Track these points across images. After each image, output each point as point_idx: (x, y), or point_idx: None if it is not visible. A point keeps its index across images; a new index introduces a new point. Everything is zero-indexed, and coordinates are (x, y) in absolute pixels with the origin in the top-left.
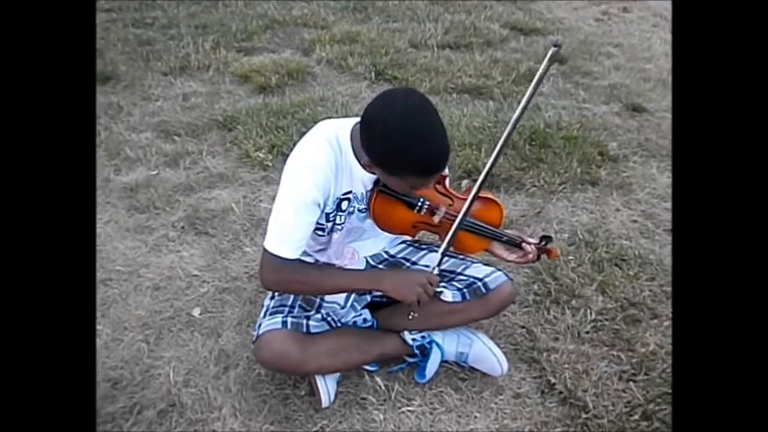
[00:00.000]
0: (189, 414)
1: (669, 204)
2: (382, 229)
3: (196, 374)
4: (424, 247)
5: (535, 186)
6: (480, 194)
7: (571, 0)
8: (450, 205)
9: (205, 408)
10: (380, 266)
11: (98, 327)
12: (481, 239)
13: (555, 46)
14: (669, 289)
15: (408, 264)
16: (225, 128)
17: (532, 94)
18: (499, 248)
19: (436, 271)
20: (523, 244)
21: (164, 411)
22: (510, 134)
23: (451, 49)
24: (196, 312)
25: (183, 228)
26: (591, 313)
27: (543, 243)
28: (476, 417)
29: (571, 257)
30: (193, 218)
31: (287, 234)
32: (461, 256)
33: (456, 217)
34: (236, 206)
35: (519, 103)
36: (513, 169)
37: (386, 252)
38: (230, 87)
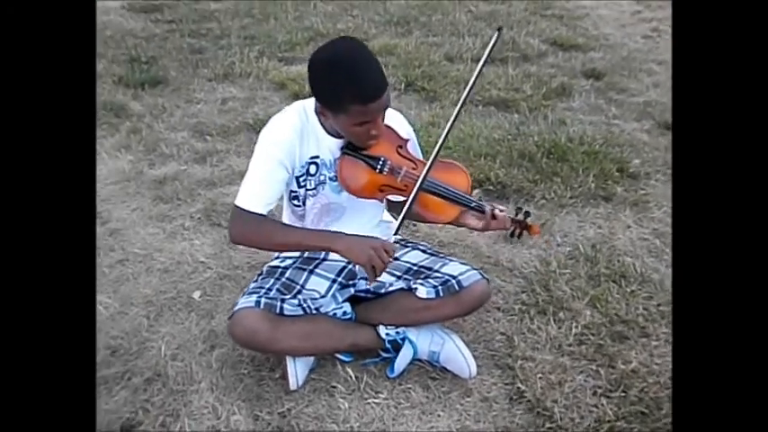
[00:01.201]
0: (171, 384)
1: None
2: (351, 193)
3: (184, 350)
4: (409, 243)
5: (545, 199)
6: (444, 160)
7: (620, 17)
8: (413, 168)
9: (186, 381)
10: None
11: (108, 300)
12: (450, 204)
13: (498, 30)
14: (666, 309)
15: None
16: (254, 130)
17: (477, 77)
18: (470, 218)
19: (393, 238)
20: (488, 208)
21: (149, 380)
22: (460, 108)
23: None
24: (196, 295)
25: (199, 218)
26: (576, 326)
27: (522, 217)
28: (439, 415)
29: (568, 271)
30: (210, 210)
31: (252, 190)
32: (441, 255)
33: (419, 179)
34: None
35: (545, 117)
36: (525, 181)
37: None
38: (266, 94)
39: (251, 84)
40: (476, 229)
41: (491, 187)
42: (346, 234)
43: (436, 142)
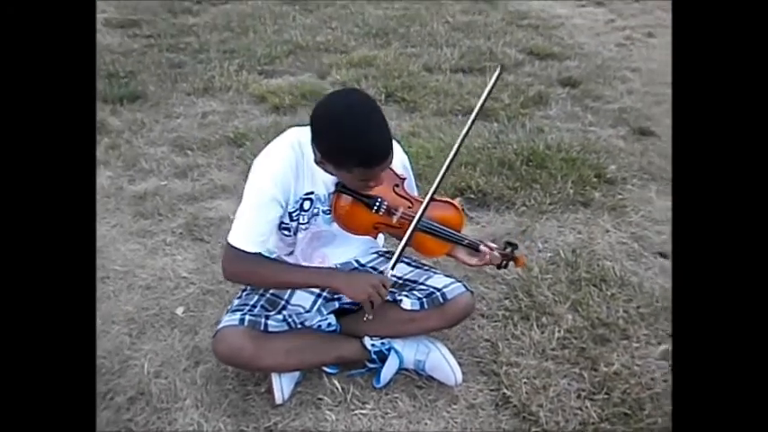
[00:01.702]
0: (155, 403)
1: (662, 228)
2: (345, 230)
3: (168, 367)
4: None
5: (525, 206)
6: (440, 199)
7: (594, 25)
8: (409, 207)
9: (171, 398)
10: None
11: None
12: (442, 242)
13: (500, 67)
14: (645, 311)
15: (376, 273)
16: (235, 144)
17: (479, 112)
18: (461, 253)
19: (390, 273)
20: (482, 247)
21: (133, 398)
22: (460, 144)
23: (464, 73)
24: (179, 311)
25: (180, 233)
26: (559, 330)
27: (508, 249)
28: (426, 423)
29: (549, 276)
30: (192, 225)
31: (247, 228)
32: (425, 267)
33: (414, 219)
34: (233, 216)
35: (523, 125)
36: (505, 188)
37: (356, 261)
38: (247, 107)
39: (231, 97)
40: (466, 264)
41: (472, 195)
42: (342, 271)
43: (422, 146)
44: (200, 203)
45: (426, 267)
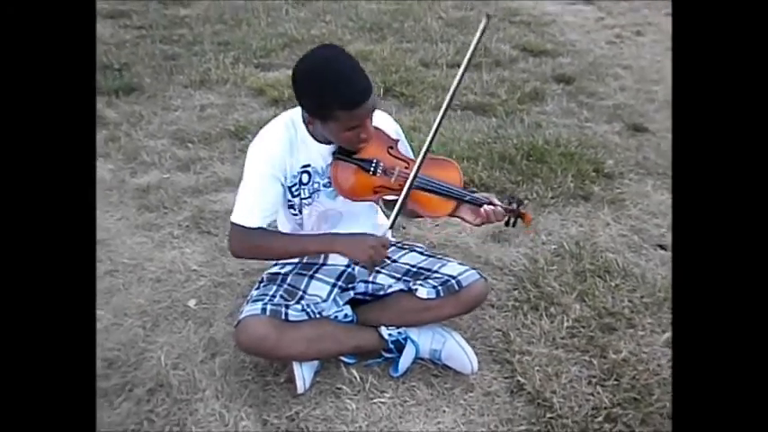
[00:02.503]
0: (175, 394)
1: (660, 221)
2: (346, 197)
3: (185, 359)
4: (405, 246)
5: (528, 199)
6: (435, 157)
7: (584, 23)
8: (405, 168)
9: (190, 389)
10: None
11: (100, 312)
12: (444, 199)
13: (486, 16)
14: (648, 300)
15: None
16: (236, 137)
17: (470, 59)
18: (465, 212)
19: (389, 233)
20: (486, 205)
21: (152, 390)
22: (455, 92)
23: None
24: (192, 303)
25: (187, 226)
26: (568, 320)
27: (515, 205)
28: (444, 411)
29: (555, 267)
30: (198, 218)
31: (247, 205)
32: (438, 256)
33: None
34: None
35: (521, 120)
36: (507, 182)
37: None
38: (245, 100)
39: (229, 90)
40: (472, 224)
41: (475, 189)
42: (343, 234)
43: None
44: (205, 196)
45: (439, 256)
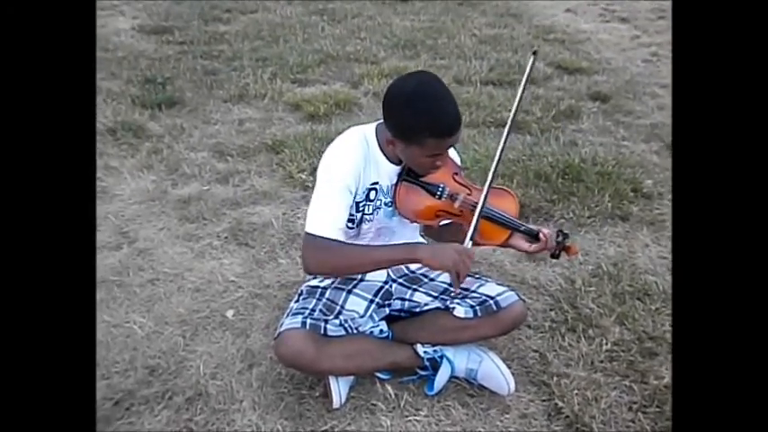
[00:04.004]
0: (213, 403)
1: None
2: (407, 218)
3: (223, 369)
4: None
5: (564, 218)
6: (497, 186)
7: (620, 41)
8: (468, 194)
9: (228, 399)
10: (400, 280)
11: (142, 320)
12: (501, 229)
13: (533, 53)
14: None
15: (427, 280)
16: (273, 151)
17: (521, 98)
18: (518, 240)
19: (469, 244)
20: (540, 234)
21: (191, 399)
22: (512, 122)
23: (494, 86)
24: (229, 314)
25: (226, 238)
26: (607, 343)
27: (561, 238)
28: (480, 431)
29: (593, 288)
30: (236, 230)
31: (325, 214)
32: (477, 275)
33: (475, 205)
34: (276, 221)
35: (557, 138)
36: (543, 201)
37: (407, 267)
38: (282, 114)
39: (266, 105)
40: (525, 252)
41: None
42: (424, 244)
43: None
44: (243, 209)
45: (477, 276)
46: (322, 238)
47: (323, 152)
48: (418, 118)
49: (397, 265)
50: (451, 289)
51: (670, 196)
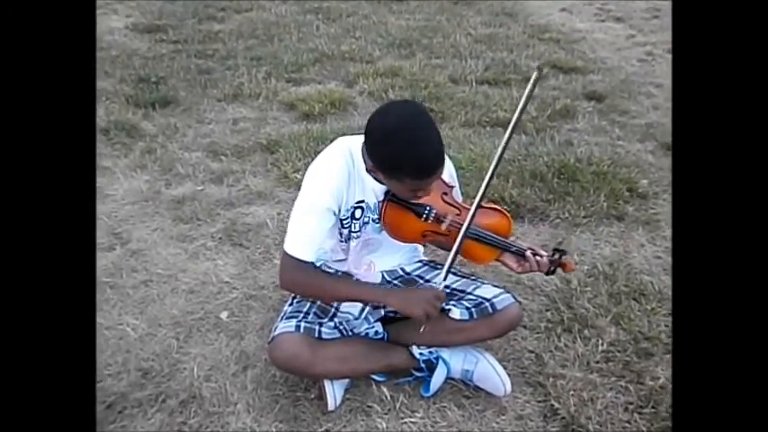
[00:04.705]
0: (207, 406)
1: None
2: (394, 238)
3: (217, 371)
4: (439, 266)
5: (560, 218)
6: (487, 206)
7: (615, 41)
8: (457, 215)
9: (222, 402)
10: (395, 282)
11: (135, 322)
12: (490, 249)
13: (538, 69)
14: None
15: (422, 281)
16: (268, 150)
17: (520, 115)
18: (509, 259)
19: (442, 286)
20: (529, 254)
21: (185, 402)
22: (503, 150)
23: (490, 85)
24: (224, 316)
25: (220, 239)
26: (602, 344)
27: (557, 256)
28: None
29: (588, 288)
30: (231, 230)
31: (304, 237)
32: (473, 277)
33: (462, 227)
34: (271, 222)
35: (552, 138)
36: (538, 200)
37: (402, 269)
38: (277, 114)
39: (261, 104)
40: (515, 271)
41: (506, 207)
42: (399, 290)
43: (455, 158)
44: (238, 209)
45: (473, 278)
46: (298, 260)
47: (318, 152)
48: (397, 158)
49: (368, 303)
50: (448, 290)
51: (665, 196)
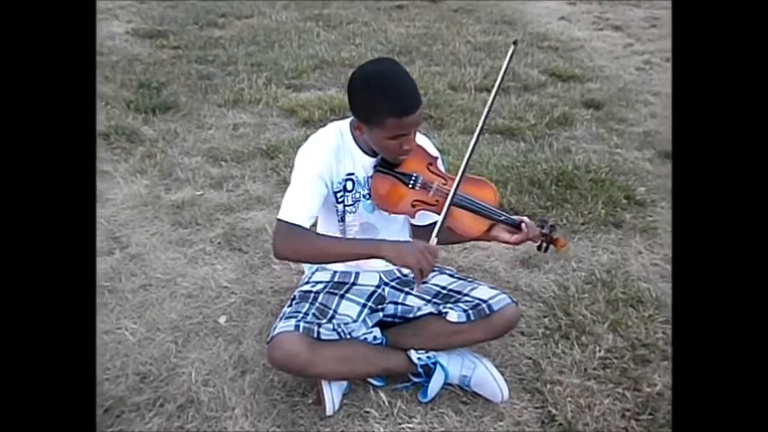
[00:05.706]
0: (204, 411)
1: None
2: (384, 209)
3: (215, 376)
4: (435, 267)
5: (558, 225)
6: (472, 176)
7: (613, 49)
8: (443, 183)
9: (220, 406)
10: (393, 283)
11: (134, 326)
12: (479, 218)
13: (513, 43)
14: None
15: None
16: (268, 156)
17: (499, 87)
18: (500, 231)
19: (434, 241)
20: (522, 224)
21: (182, 406)
22: (487, 115)
23: (489, 93)
24: (222, 320)
25: (219, 243)
26: (600, 350)
27: (548, 231)
28: None
29: (586, 295)
30: (230, 235)
31: (296, 203)
32: (469, 279)
33: (449, 193)
34: (270, 227)
35: (550, 145)
36: (536, 207)
37: (399, 270)
38: (277, 120)
39: (261, 110)
40: (507, 243)
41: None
42: (389, 241)
43: (454, 163)
44: (237, 214)
45: (470, 279)
46: (292, 224)
47: None
48: (376, 98)
49: (361, 259)
50: (445, 291)
51: (663, 204)
